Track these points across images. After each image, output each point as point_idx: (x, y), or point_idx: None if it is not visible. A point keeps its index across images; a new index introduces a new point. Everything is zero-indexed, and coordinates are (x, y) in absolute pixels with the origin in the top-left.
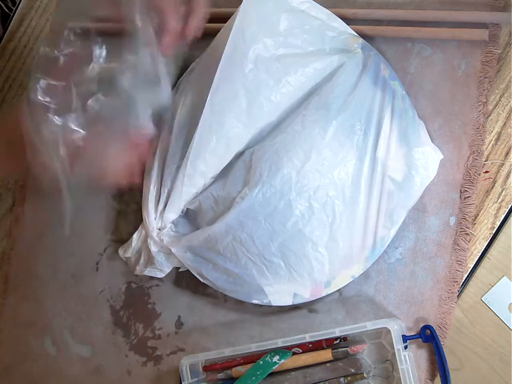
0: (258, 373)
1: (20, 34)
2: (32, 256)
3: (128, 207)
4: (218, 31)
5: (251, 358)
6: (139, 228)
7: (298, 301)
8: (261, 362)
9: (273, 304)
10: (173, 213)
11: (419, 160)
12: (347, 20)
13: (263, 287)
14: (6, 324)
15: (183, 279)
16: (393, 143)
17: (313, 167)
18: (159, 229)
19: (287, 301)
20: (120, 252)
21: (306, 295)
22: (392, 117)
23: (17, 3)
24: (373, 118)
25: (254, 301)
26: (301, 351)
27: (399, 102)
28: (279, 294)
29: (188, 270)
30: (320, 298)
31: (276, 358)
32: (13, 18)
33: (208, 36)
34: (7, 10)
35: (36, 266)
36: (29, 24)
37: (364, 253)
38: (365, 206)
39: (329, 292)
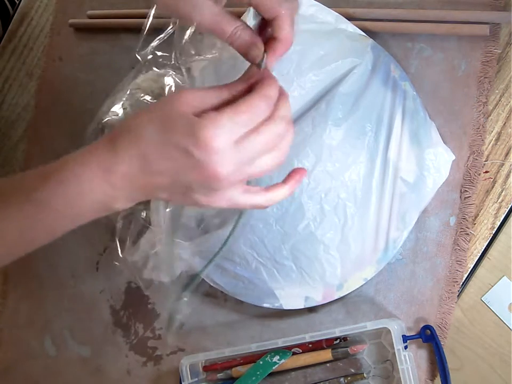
0: (258, 373)
1: (20, 34)
2: (32, 256)
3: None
4: None
5: (251, 358)
6: (147, 231)
7: (310, 304)
8: (261, 362)
9: (285, 307)
10: (181, 217)
11: (431, 161)
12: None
13: (274, 291)
14: (6, 324)
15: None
16: (404, 144)
17: (324, 169)
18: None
19: (299, 305)
20: (127, 255)
21: (318, 298)
22: (403, 118)
23: (17, 3)
24: (384, 119)
25: (265, 305)
26: (301, 351)
27: (410, 102)
28: (290, 297)
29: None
30: None
31: (276, 358)
32: (13, 18)
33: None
34: (10, 8)
35: (35, 266)
36: (29, 24)
37: (376, 255)
38: (377, 207)
39: (342, 295)
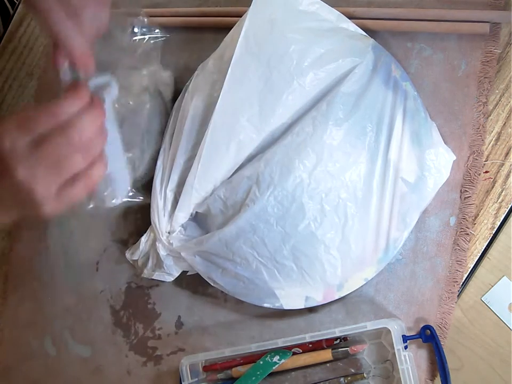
0: (258, 373)
1: (20, 34)
2: (32, 256)
3: (128, 207)
4: (225, 27)
5: (251, 358)
6: (147, 231)
7: (311, 304)
8: (261, 362)
9: (285, 307)
10: (182, 217)
11: (432, 162)
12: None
13: (274, 291)
14: (6, 324)
15: (183, 279)
16: (405, 144)
17: (324, 169)
18: (169, 233)
19: (299, 304)
20: (127, 254)
21: (318, 298)
22: (404, 118)
23: (17, 3)
24: (385, 119)
25: (266, 305)
26: (301, 351)
27: (411, 102)
28: (291, 297)
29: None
30: None
31: (276, 358)
32: (13, 18)
33: (217, 32)
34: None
35: (35, 266)
36: (29, 24)
37: (376, 256)
38: (378, 208)
39: (342, 295)
